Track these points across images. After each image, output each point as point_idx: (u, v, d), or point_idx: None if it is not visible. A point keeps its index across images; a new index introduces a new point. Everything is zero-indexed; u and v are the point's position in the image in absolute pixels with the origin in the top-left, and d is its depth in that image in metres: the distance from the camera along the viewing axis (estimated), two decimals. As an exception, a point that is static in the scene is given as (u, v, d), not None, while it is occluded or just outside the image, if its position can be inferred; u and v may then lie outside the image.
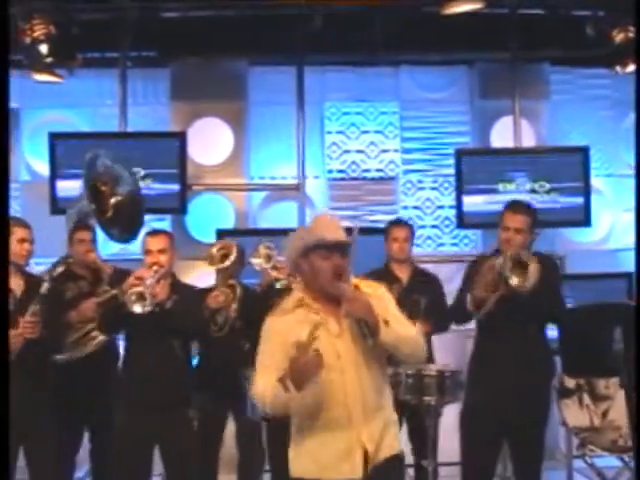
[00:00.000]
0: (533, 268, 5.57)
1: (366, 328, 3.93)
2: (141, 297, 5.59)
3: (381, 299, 4.15)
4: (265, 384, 3.95)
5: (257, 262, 6.55)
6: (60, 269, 6.70)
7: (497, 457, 5.94)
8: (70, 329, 6.43)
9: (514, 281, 5.57)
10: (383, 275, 6.64)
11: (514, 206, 5.97)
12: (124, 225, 7.20)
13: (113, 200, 7.43)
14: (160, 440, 5.83)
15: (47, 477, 5.82)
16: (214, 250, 6.73)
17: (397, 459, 4.16)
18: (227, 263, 6.60)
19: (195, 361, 6.95)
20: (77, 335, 6.46)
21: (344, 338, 4.03)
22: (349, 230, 4.17)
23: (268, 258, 6.54)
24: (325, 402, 3.98)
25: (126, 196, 7.47)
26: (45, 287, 5.71)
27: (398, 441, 4.21)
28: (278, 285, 6.41)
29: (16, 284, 5.74)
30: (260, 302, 6.31)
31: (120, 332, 6.20)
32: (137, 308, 5.58)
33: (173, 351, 5.83)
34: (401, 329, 4.08)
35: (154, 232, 6.11)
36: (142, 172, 8.52)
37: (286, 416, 4.09)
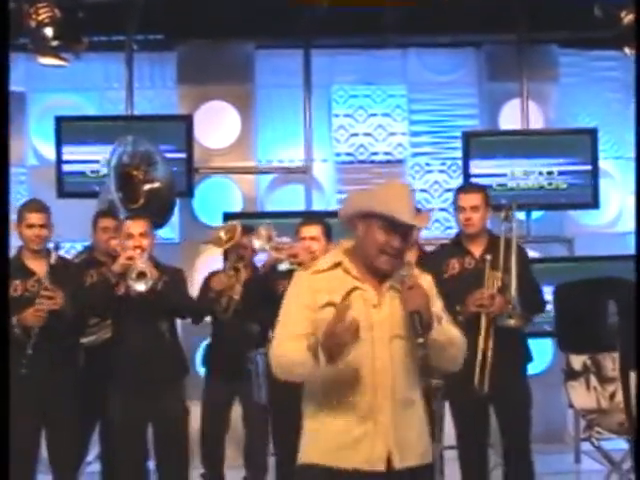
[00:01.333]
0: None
1: (418, 324, 3.49)
2: (142, 275, 5.66)
3: (430, 291, 3.72)
4: (288, 347, 3.58)
5: (258, 243, 6.51)
6: (84, 256, 6.78)
7: (487, 428, 5.89)
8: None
9: (512, 323, 5.61)
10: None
11: (464, 187, 6.12)
12: (156, 213, 7.17)
13: (147, 187, 7.44)
14: (152, 421, 5.92)
15: (66, 459, 5.91)
16: (221, 232, 6.73)
17: (428, 469, 3.72)
18: (231, 243, 6.59)
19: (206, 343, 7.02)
20: (95, 320, 6.46)
21: (381, 310, 3.62)
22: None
23: (268, 239, 6.48)
24: (352, 377, 3.57)
25: (161, 181, 7.48)
26: (53, 257, 5.78)
27: (431, 449, 3.75)
28: (282, 267, 6.39)
29: (38, 267, 5.84)
30: (261, 283, 6.32)
31: (109, 311, 6.18)
32: (140, 286, 5.66)
33: (161, 333, 5.89)
34: (452, 329, 3.70)
35: (134, 216, 6.19)
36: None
37: (293, 395, 3.81)
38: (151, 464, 6.24)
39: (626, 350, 4.80)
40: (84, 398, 6.08)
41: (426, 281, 3.75)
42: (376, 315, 3.60)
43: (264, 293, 6.13)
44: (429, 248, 7.21)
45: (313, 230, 6.14)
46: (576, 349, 5.69)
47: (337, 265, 3.70)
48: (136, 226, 5.94)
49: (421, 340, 3.49)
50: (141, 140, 7.69)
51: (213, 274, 6.66)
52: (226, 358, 6.62)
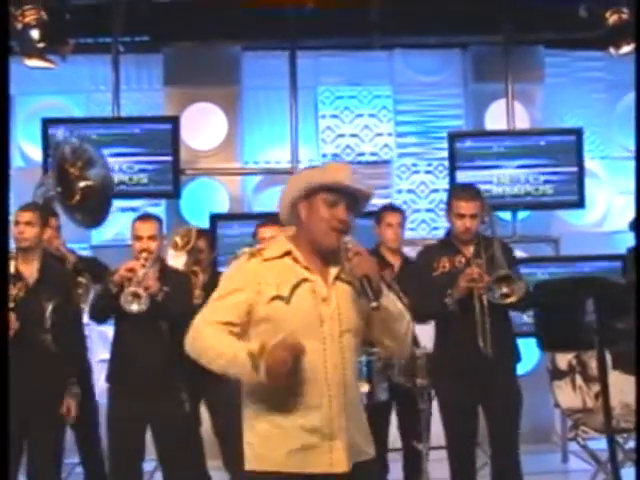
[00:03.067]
0: (518, 285, 5.58)
1: (369, 288, 3.39)
2: (136, 296, 5.59)
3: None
4: (207, 333, 3.45)
5: (172, 254, 6.43)
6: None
7: (476, 428, 5.89)
8: None
9: (505, 301, 5.59)
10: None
11: (466, 192, 5.88)
12: (91, 211, 7.12)
13: (82, 184, 7.35)
14: (152, 424, 5.84)
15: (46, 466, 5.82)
16: (177, 236, 6.70)
17: (374, 463, 3.67)
18: (187, 247, 6.58)
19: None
20: None
21: (330, 303, 3.50)
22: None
23: (184, 245, 6.43)
24: (301, 374, 3.42)
25: (96, 180, 7.39)
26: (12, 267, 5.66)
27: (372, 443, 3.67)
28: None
29: (27, 271, 5.76)
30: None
31: (108, 319, 6.19)
32: (134, 307, 5.60)
33: (162, 335, 5.82)
34: (401, 306, 3.62)
35: (144, 217, 6.05)
36: (135, 167, 8.54)
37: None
38: (147, 465, 6.24)
39: (603, 348, 4.82)
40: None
41: None
42: (326, 309, 3.48)
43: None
44: (416, 249, 7.25)
45: (272, 231, 6.13)
46: (554, 347, 5.69)
47: (286, 254, 3.55)
48: (145, 228, 5.82)
49: (375, 304, 3.40)
50: (87, 141, 7.61)
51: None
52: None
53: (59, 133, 7.33)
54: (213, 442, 6.80)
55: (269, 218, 6.68)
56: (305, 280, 3.49)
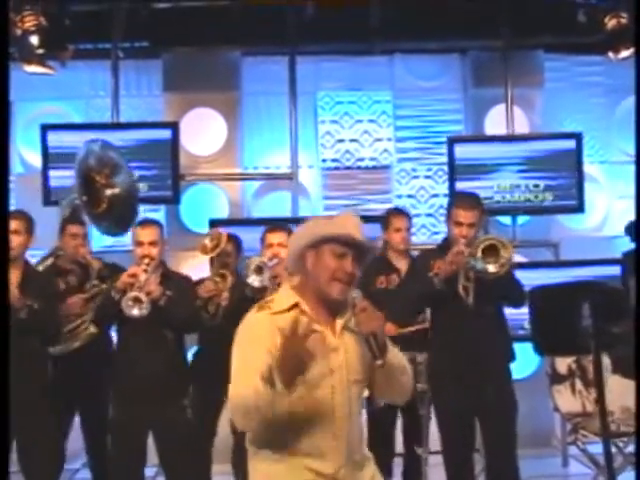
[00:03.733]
0: (506, 252, 5.57)
1: (375, 346, 3.43)
2: (137, 301, 5.61)
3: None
4: (245, 390, 3.38)
5: (252, 279, 6.38)
6: (49, 262, 6.73)
7: (473, 435, 5.89)
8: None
9: (491, 270, 5.58)
10: (381, 265, 6.63)
11: (466, 201, 5.90)
12: (117, 218, 7.15)
13: (108, 192, 7.41)
14: (154, 430, 5.85)
15: (39, 468, 5.86)
16: (206, 240, 6.74)
17: None
18: (217, 251, 6.59)
19: (194, 350, 7.01)
20: (65, 329, 6.45)
21: (339, 354, 3.54)
22: None
23: (259, 270, 6.40)
24: (310, 422, 3.48)
25: (122, 187, 7.44)
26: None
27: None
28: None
29: (12, 276, 5.73)
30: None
31: (112, 324, 6.22)
32: (135, 312, 5.61)
33: (166, 341, 5.83)
34: (403, 358, 3.65)
35: (145, 223, 6.07)
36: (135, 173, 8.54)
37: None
38: (148, 471, 6.25)
39: (599, 353, 4.83)
40: (55, 402, 6.09)
41: None
42: (335, 359, 3.52)
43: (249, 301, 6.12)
44: (415, 254, 7.25)
45: (280, 236, 6.16)
46: (550, 352, 5.70)
47: (294, 306, 3.56)
48: (146, 234, 5.84)
49: (380, 362, 3.44)
50: (110, 147, 7.66)
51: (199, 282, 6.66)
52: (215, 364, 6.60)
53: (82, 144, 7.38)
54: (224, 447, 6.83)
55: (277, 224, 6.71)
56: (314, 331, 3.45)
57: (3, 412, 4.46)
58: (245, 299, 6.06)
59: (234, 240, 6.92)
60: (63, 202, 7.38)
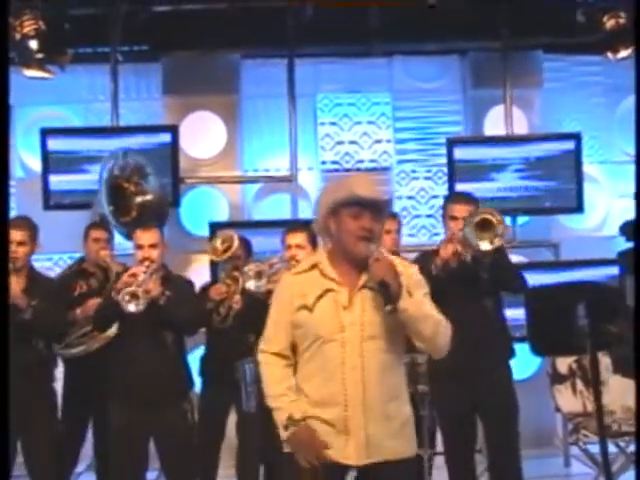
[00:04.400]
0: (500, 226, 5.57)
1: (385, 292, 3.67)
2: (134, 296, 5.61)
3: (410, 278, 3.84)
4: (269, 369, 3.94)
5: (250, 284, 6.42)
6: (75, 267, 6.82)
7: (474, 435, 5.89)
8: (76, 325, 6.49)
9: (486, 247, 5.56)
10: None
11: (460, 196, 6.05)
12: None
13: (138, 199, 7.44)
14: (155, 434, 5.84)
15: (45, 471, 5.90)
16: (217, 242, 6.75)
17: (408, 463, 3.87)
18: (229, 254, 6.61)
19: (201, 352, 7.02)
20: (83, 331, 6.49)
21: (352, 311, 3.76)
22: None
23: (259, 275, 6.41)
24: (321, 376, 3.78)
25: (153, 193, 7.48)
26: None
27: (412, 443, 3.92)
28: None
29: (16, 283, 5.82)
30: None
31: (111, 326, 6.23)
32: (131, 307, 5.62)
33: (166, 345, 5.83)
34: (425, 307, 3.82)
35: (145, 226, 6.07)
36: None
37: None
38: (150, 474, 6.25)
39: (596, 352, 4.85)
40: (69, 407, 6.11)
41: (408, 271, 3.91)
42: (347, 317, 3.76)
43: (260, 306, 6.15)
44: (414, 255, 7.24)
45: (298, 237, 6.17)
46: (547, 352, 5.71)
47: (314, 267, 3.89)
48: (146, 237, 5.87)
49: (389, 307, 3.67)
50: (132, 152, 7.71)
51: (209, 285, 6.69)
52: (224, 367, 6.60)
53: (105, 159, 7.45)
54: (233, 450, 6.84)
55: (296, 224, 6.72)
56: (329, 290, 3.80)
57: (3, 413, 4.46)
58: (256, 301, 6.09)
59: (244, 243, 6.94)
60: (93, 209, 7.44)
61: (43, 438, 5.90)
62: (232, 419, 6.89)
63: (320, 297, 3.79)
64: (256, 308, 6.11)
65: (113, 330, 6.47)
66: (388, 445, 3.79)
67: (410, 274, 3.90)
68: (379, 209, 3.83)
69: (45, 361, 6.13)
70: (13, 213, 9.08)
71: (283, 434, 3.81)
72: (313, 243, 6.15)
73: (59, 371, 6.59)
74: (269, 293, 6.02)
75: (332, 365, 3.76)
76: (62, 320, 6.31)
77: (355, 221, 3.78)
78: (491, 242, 5.54)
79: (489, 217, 5.57)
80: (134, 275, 5.70)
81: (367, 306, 3.78)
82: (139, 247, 5.85)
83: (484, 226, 5.56)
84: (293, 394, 3.85)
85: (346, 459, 3.75)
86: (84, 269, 6.84)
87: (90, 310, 6.44)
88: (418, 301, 3.77)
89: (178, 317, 5.78)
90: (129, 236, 7.36)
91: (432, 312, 3.86)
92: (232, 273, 6.63)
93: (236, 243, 6.66)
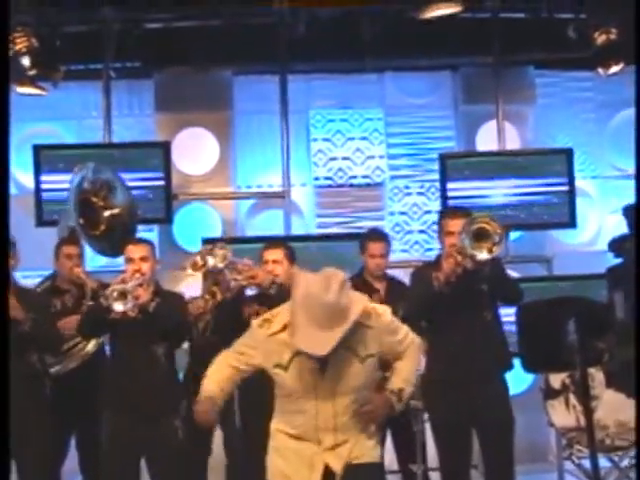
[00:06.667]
0: (497, 234, 5.57)
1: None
2: (122, 295, 5.58)
3: (386, 331, 4.09)
4: (219, 372, 4.17)
5: (212, 261, 6.47)
6: (47, 284, 6.75)
7: (470, 449, 5.88)
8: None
9: (483, 256, 5.56)
10: (361, 286, 6.57)
11: (454, 211, 6.06)
12: (117, 239, 7.16)
13: (107, 213, 7.43)
14: (146, 451, 5.80)
15: None
16: (197, 256, 6.76)
17: (372, 467, 4.15)
18: (206, 268, 6.62)
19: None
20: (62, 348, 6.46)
21: (325, 370, 3.95)
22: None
23: (223, 258, 6.45)
24: (297, 419, 4.03)
25: (121, 207, 7.47)
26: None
27: (374, 450, 4.19)
28: (250, 292, 6.41)
29: None
30: (228, 308, 6.32)
31: (99, 336, 6.23)
32: (118, 306, 5.56)
33: (157, 359, 5.80)
34: (408, 375, 4.16)
35: (136, 241, 6.13)
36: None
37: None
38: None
39: (585, 368, 4.86)
40: (51, 422, 6.11)
41: (383, 319, 4.08)
42: (320, 376, 3.93)
43: (232, 318, 6.14)
44: (408, 271, 7.23)
45: (276, 253, 6.22)
46: (537, 367, 5.69)
47: (285, 327, 3.97)
48: (136, 250, 5.87)
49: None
50: (102, 167, 7.69)
51: (191, 300, 6.68)
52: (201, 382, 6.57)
53: (75, 170, 7.43)
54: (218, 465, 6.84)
55: (273, 241, 6.72)
56: (299, 352, 3.90)
57: (3, 414, 4.45)
58: (239, 316, 6.11)
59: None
60: (60, 225, 7.41)
61: (35, 455, 5.88)
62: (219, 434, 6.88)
63: (293, 357, 3.93)
64: (226, 322, 6.15)
65: (91, 347, 6.49)
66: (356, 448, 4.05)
67: (385, 326, 4.08)
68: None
69: (38, 375, 6.11)
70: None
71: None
72: (291, 259, 6.25)
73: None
74: (238, 306, 6.12)
75: (307, 416, 3.99)
76: (58, 331, 6.30)
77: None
78: (490, 251, 5.53)
79: (485, 226, 5.56)
80: (123, 281, 5.69)
81: (341, 364, 3.92)
82: (130, 260, 5.84)
83: (481, 235, 5.55)
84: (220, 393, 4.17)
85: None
86: (57, 286, 6.75)
87: (67, 327, 6.41)
88: (407, 390, 4.13)
89: (167, 325, 5.76)
90: (101, 251, 7.39)
91: (411, 368, 4.17)
92: (211, 288, 6.63)
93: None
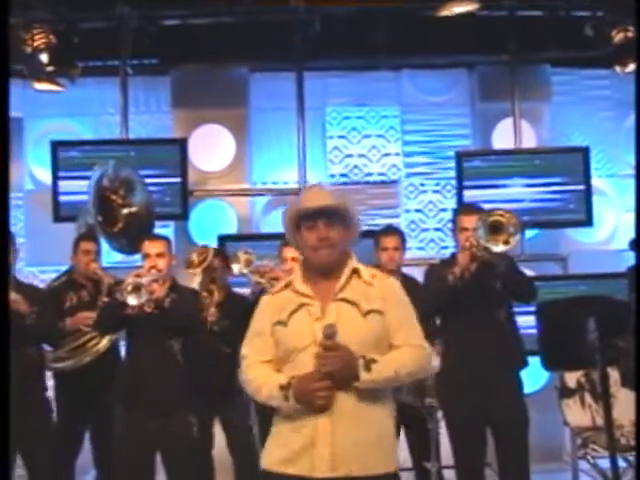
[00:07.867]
0: (512, 227, 5.57)
1: (338, 384, 3.69)
2: (137, 289, 5.61)
3: (386, 296, 3.85)
4: (257, 372, 3.87)
5: (237, 267, 6.53)
6: (63, 279, 6.79)
7: (484, 448, 5.88)
8: (67, 337, 6.49)
9: (498, 248, 5.56)
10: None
11: (469, 207, 6.08)
12: (134, 237, 7.19)
13: (125, 211, 7.46)
14: (161, 446, 5.82)
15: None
16: (193, 255, 6.79)
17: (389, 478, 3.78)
18: (203, 265, 6.64)
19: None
20: (74, 344, 6.49)
21: (326, 321, 3.73)
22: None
23: (248, 263, 6.50)
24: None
25: (139, 206, 7.51)
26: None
27: (392, 458, 3.83)
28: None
29: None
30: (249, 309, 6.31)
31: (116, 332, 6.26)
32: (132, 300, 5.60)
33: (173, 354, 5.82)
34: (393, 363, 3.77)
35: (152, 237, 6.15)
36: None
37: None
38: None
39: (605, 367, 4.85)
40: (64, 418, 6.14)
41: (385, 282, 3.95)
42: (319, 327, 3.74)
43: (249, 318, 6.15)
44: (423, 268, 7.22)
45: (294, 251, 6.20)
46: (557, 366, 5.69)
47: (287, 286, 3.94)
48: (153, 246, 5.90)
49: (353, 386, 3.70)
50: (122, 165, 7.73)
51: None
52: (202, 379, 6.56)
53: (95, 167, 7.48)
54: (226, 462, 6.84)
55: None
56: (303, 305, 3.83)
57: (3, 415, 4.47)
58: (238, 312, 6.11)
59: (221, 255, 6.96)
60: (79, 221, 7.44)
61: (40, 450, 5.94)
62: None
63: (294, 312, 3.84)
64: (238, 322, 6.15)
65: (105, 343, 6.51)
66: (357, 459, 3.69)
67: (385, 289, 3.90)
68: (333, 215, 3.86)
69: (37, 369, 6.14)
70: (22, 225, 9.16)
71: (285, 404, 3.73)
72: None
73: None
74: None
75: (304, 371, 3.72)
76: (61, 325, 6.37)
77: (311, 232, 3.84)
78: (505, 243, 5.55)
79: (500, 219, 5.57)
80: (139, 275, 5.72)
81: (342, 316, 3.78)
82: (146, 256, 5.88)
83: (496, 228, 5.56)
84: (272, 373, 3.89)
85: (312, 472, 3.68)
86: (74, 280, 6.81)
87: (80, 322, 6.47)
88: (381, 368, 3.71)
89: (182, 320, 5.79)
90: (118, 248, 7.41)
91: (403, 362, 3.80)
92: (208, 286, 6.65)
93: (211, 255, 6.69)
